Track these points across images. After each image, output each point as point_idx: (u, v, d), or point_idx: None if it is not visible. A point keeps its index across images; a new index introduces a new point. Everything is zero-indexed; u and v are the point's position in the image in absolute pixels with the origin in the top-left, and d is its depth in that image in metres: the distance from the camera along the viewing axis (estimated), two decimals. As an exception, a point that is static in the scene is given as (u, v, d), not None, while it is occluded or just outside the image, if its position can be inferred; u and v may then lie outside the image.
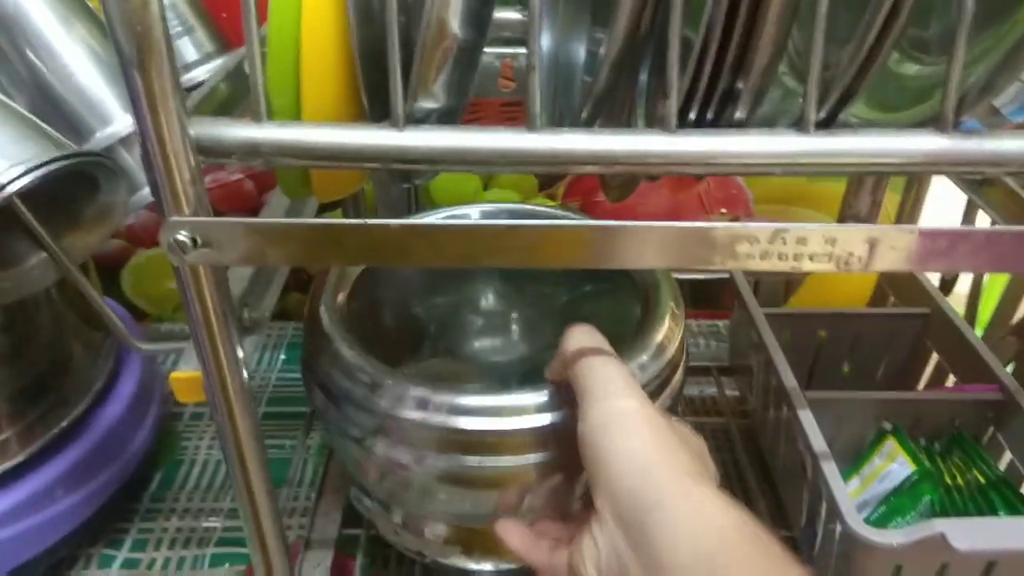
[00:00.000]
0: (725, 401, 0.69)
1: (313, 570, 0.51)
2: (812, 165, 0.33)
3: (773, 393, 0.52)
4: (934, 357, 0.55)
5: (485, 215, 0.54)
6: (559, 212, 0.55)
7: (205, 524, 0.61)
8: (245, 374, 0.35)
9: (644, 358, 0.43)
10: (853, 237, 0.32)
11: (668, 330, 0.45)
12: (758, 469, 0.60)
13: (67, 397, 0.55)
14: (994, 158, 0.32)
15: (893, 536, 0.38)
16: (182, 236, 0.31)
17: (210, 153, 0.31)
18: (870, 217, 0.63)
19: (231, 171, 0.78)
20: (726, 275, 0.61)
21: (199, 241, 0.31)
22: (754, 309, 0.54)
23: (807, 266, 0.32)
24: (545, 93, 0.44)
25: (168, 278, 0.80)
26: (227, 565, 0.57)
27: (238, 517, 0.56)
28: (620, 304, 0.48)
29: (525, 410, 0.40)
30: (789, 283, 0.64)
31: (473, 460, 0.41)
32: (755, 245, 0.32)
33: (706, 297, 0.81)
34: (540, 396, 0.40)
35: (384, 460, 0.43)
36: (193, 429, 0.70)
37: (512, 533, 0.39)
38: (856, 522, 0.39)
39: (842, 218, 0.69)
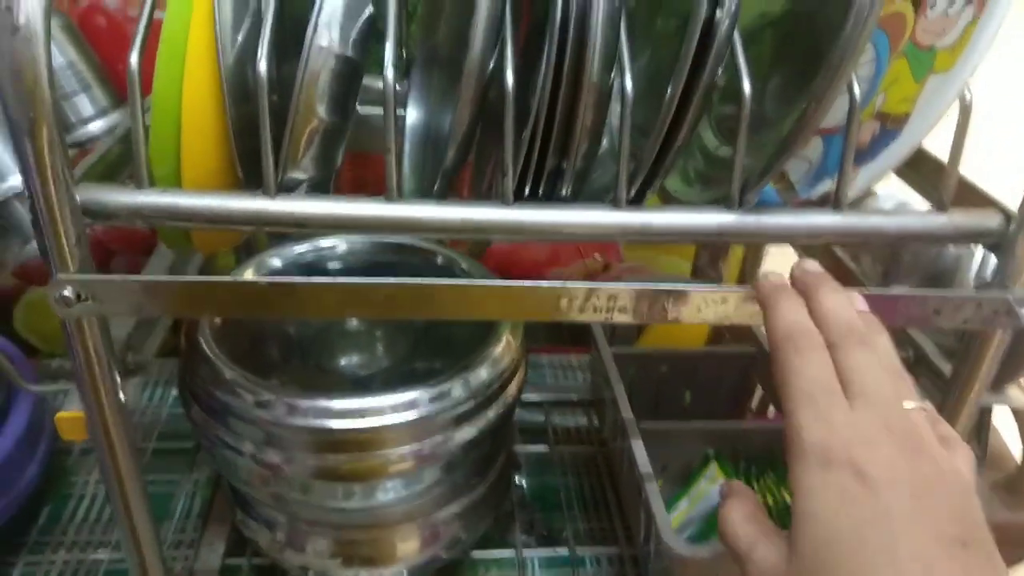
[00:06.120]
0: (595, 432, 0.75)
1: (196, 597, 0.54)
2: (624, 234, 0.39)
3: (618, 424, 0.58)
4: (759, 389, 0.63)
5: (351, 246, 0.59)
6: (431, 247, 0.60)
7: (92, 556, 0.62)
8: (126, 414, 0.39)
9: (481, 368, 0.48)
10: (655, 296, 0.38)
11: (505, 344, 0.51)
12: (616, 494, 0.65)
13: (-45, 434, 0.56)
14: (769, 231, 0.39)
15: (700, 551, 0.44)
16: (67, 292, 0.35)
17: (96, 216, 0.35)
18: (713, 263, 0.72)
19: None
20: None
21: (83, 296, 0.35)
22: (604, 350, 0.61)
23: (617, 318, 0.38)
24: (418, 161, 0.49)
25: (61, 315, 0.81)
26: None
27: (125, 549, 0.58)
28: (473, 328, 0.54)
29: (384, 410, 0.45)
30: (641, 325, 0.71)
31: (343, 455, 0.46)
32: (574, 301, 0.38)
33: (585, 336, 0.88)
34: (399, 398, 0.45)
35: (265, 464, 0.47)
36: (82, 465, 0.71)
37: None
38: (670, 537, 0.45)
39: (694, 268, 0.78)
